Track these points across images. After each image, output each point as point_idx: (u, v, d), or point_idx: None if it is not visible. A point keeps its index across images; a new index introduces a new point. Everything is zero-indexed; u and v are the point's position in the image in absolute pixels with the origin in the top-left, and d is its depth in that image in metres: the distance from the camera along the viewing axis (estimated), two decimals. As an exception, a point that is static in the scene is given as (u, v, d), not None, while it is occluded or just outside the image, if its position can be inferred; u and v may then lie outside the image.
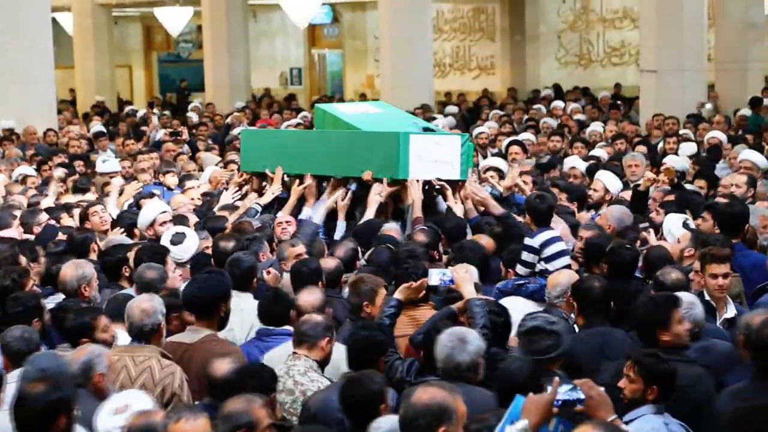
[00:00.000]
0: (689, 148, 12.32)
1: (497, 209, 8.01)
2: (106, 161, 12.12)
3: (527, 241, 7.10)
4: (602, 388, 4.28)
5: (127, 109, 22.07)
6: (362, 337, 5.17)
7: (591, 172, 10.44)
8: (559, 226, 7.68)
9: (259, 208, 8.44)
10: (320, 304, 5.87)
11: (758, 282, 6.80)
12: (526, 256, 7.00)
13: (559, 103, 18.89)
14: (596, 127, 14.87)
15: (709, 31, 17.77)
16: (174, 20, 25.56)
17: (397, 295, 5.83)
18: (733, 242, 7.15)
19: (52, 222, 8.66)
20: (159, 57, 32.35)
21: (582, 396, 4.15)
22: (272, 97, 25.36)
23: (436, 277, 5.90)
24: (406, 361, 5.33)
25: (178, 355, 5.47)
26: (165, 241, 7.42)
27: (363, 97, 24.26)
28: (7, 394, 4.76)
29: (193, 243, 7.47)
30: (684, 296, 5.51)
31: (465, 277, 5.86)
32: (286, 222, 8.00)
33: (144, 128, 16.83)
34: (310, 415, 4.90)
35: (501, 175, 9.68)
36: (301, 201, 8.50)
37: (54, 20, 17.58)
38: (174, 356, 5.39)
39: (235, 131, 16.48)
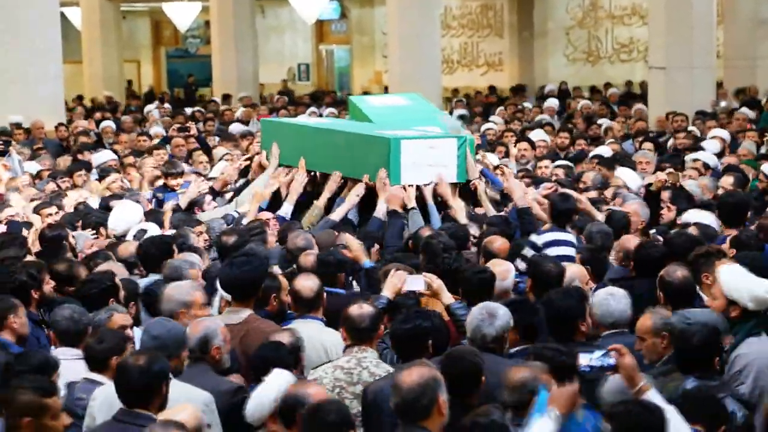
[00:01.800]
0: (714, 145, 12.22)
1: (522, 201, 7.89)
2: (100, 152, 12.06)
3: (533, 237, 7.06)
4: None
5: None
6: (409, 327, 5.20)
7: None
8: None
9: (236, 215, 8.29)
10: (318, 289, 5.90)
11: None
12: (527, 251, 6.92)
13: (552, 102, 18.88)
14: (608, 123, 14.84)
15: (718, 28, 17.71)
16: (182, 15, 25.56)
17: (386, 293, 5.90)
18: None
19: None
20: (167, 52, 32.38)
21: (612, 362, 4.41)
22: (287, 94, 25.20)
23: (411, 283, 5.95)
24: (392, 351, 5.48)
25: (237, 333, 5.59)
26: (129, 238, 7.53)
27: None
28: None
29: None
30: (606, 290, 5.70)
31: (441, 284, 5.95)
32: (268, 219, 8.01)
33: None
34: (368, 401, 5.00)
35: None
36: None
37: (62, 15, 17.56)
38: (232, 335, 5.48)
39: (251, 126, 16.52)
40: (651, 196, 8.82)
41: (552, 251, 7.01)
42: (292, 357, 5.09)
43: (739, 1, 19.26)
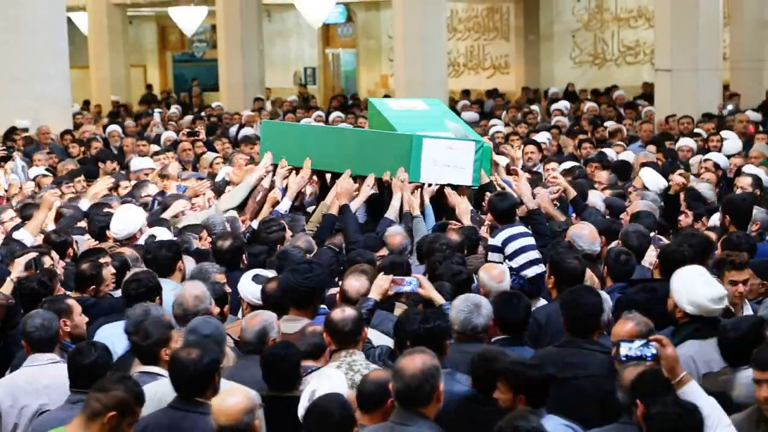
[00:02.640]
0: (733, 145, 12.19)
1: (531, 203, 7.92)
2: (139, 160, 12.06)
3: (490, 240, 7.11)
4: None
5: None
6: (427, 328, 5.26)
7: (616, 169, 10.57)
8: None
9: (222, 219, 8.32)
10: (365, 291, 5.99)
11: None
12: (491, 256, 6.97)
13: (563, 103, 18.93)
14: (617, 125, 14.83)
15: (724, 30, 17.72)
16: (188, 20, 25.60)
17: (373, 295, 5.93)
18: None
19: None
20: (173, 57, 32.42)
21: (654, 351, 4.52)
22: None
23: (402, 284, 5.99)
24: (377, 348, 5.57)
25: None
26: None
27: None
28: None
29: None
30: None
31: (431, 285, 6.03)
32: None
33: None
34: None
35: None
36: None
37: (69, 20, 17.60)
38: None
39: (249, 131, 16.55)
40: (669, 200, 8.81)
41: (512, 246, 6.98)
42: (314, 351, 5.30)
43: (745, 3, 19.27)
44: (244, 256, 7.22)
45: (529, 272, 6.82)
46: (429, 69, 18.52)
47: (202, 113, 20.84)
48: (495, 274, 6.28)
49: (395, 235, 7.40)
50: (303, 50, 30.72)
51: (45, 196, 8.33)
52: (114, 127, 16.20)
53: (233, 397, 4.38)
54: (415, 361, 4.43)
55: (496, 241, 7.01)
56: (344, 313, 5.34)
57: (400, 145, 8.16)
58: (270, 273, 6.50)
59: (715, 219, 8.26)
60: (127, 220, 7.91)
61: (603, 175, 10.29)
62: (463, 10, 27.51)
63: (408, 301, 6.18)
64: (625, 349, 4.57)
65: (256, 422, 4.32)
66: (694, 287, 5.46)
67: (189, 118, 19.07)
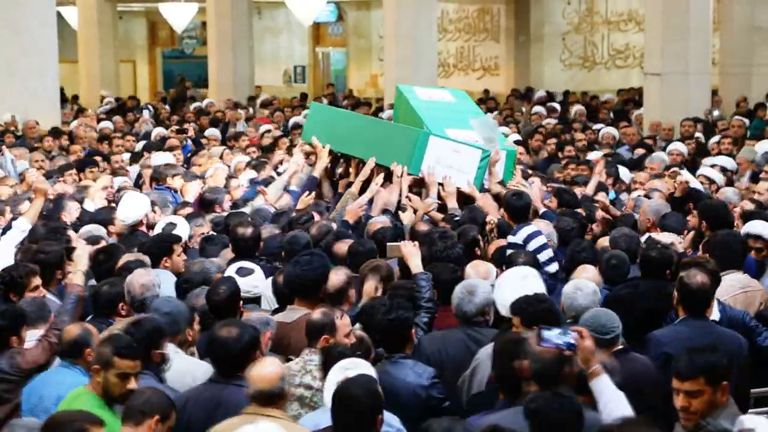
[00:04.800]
0: (727, 162, 12.15)
1: (540, 205, 8.20)
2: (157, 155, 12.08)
3: (510, 239, 7.18)
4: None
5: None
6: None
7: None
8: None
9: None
10: (343, 284, 6.08)
11: None
12: (520, 254, 7.00)
13: (554, 105, 18.96)
14: (610, 129, 14.82)
15: (714, 35, 17.75)
16: (178, 16, 25.55)
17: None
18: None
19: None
20: (163, 53, 32.36)
21: (572, 341, 4.66)
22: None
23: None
24: None
25: (288, 335, 5.75)
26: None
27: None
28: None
29: (183, 230, 7.77)
30: (575, 283, 5.89)
31: (413, 251, 6.30)
32: None
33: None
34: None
35: None
36: None
37: (59, 14, 17.56)
38: (283, 337, 5.71)
39: (239, 127, 16.57)
40: (674, 203, 8.83)
41: (533, 244, 7.11)
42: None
43: (734, 8, 19.32)
44: (261, 244, 7.38)
45: (551, 268, 6.93)
46: (419, 69, 18.51)
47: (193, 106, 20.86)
48: (482, 272, 6.37)
49: (376, 223, 7.66)
50: (293, 48, 30.70)
51: (36, 184, 8.39)
52: (106, 124, 16.18)
53: (269, 365, 4.71)
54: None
55: (518, 238, 7.12)
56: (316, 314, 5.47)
57: (408, 138, 8.45)
58: (252, 265, 6.58)
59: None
60: (132, 206, 8.22)
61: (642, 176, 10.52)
62: (453, 10, 27.52)
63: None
64: (544, 336, 4.70)
65: (286, 387, 4.72)
66: (508, 289, 5.49)
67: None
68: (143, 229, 8.18)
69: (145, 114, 18.60)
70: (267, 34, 29.97)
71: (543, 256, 6.98)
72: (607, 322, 5.31)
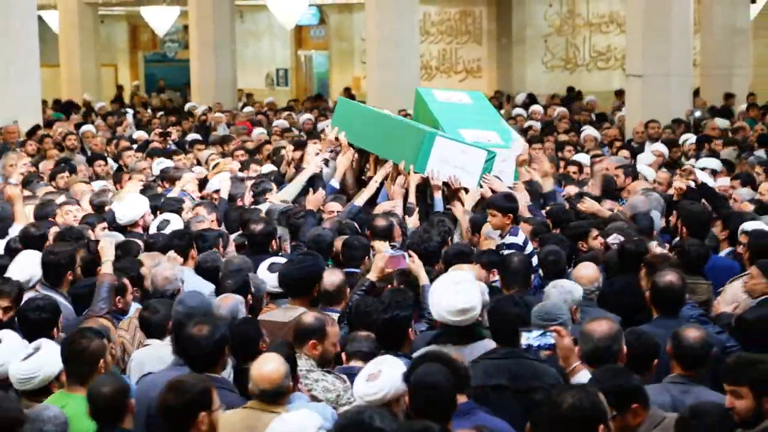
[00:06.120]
0: (713, 163, 12.18)
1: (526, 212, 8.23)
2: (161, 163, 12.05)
3: (510, 239, 7.17)
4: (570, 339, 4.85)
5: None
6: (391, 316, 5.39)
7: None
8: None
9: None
10: (340, 284, 6.17)
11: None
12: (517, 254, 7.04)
13: (537, 107, 19.01)
14: (591, 131, 14.81)
15: (695, 37, 17.82)
16: (160, 20, 25.51)
17: (371, 276, 6.13)
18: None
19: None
20: (145, 56, 32.29)
21: (552, 341, 4.77)
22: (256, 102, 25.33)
23: (397, 261, 6.20)
24: None
25: (276, 333, 5.72)
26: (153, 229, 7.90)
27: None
28: None
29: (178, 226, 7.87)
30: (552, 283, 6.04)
31: (419, 263, 6.25)
32: None
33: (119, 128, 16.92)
34: None
35: None
36: None
37: (40, 18, 17.49)
38: (272, 335, 5.64)
39: (219, 131, 16.55)
40: (670, 205, 8.85)
41: (529, 247, 7.21)
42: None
43: (715, 10, 19.40)
44: (274, 242, 7.49)
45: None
46: (402, 72, 18.51)
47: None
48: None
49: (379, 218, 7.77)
50: (275, 51, 30.67)
51: (8, 192, 8.57)
52: (88, 127, 16.12)
53: (271, 363, 4.65)
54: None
55: (518, 239, 7.17)
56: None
57: (415, 137, 8.63)
58: (282, 260, 6.70)
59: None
60: (130, 206, 8.31)
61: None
62: (435, 13, 27.55)
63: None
64: (524, 339, 4.78)
65: (291, 384, 4.68)
66: (440, 295, 5.41)
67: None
68: (139, 230, 8.21)
69: (129, 117, 18.55)
70: (249, 38, 29.94)
71: (535, 259, 7.01)
72: (551, 309, 5.43)
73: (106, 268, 6.41)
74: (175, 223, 7.92)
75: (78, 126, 16.57)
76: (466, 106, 9.48)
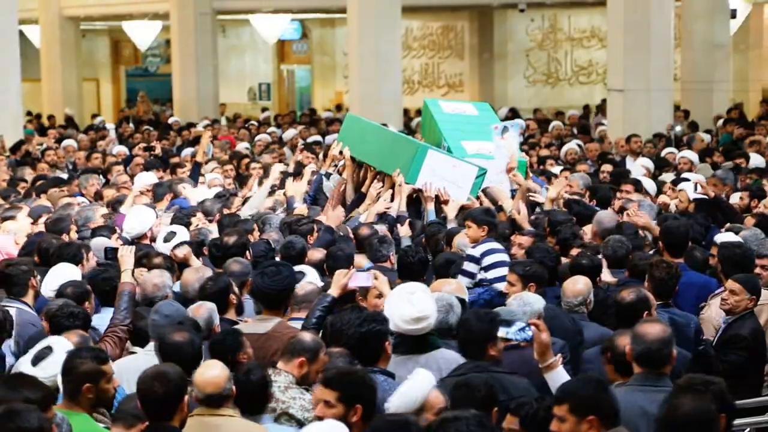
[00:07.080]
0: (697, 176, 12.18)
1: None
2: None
3: (469, 251, 7.26)
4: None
5: (97, 121, 22.04)
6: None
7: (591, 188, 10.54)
8: None
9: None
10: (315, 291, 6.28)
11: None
12: (467, 266, 7.16)
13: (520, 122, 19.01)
14: (573, 145, 14.80)
15: (676, 51, 17.91)
16: (142, 34, 25.47)
17: (332, 291, 6.05)
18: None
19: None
20: (127, 71, 32.20)
21: (529, 335, 4.88)
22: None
23: (358, 278, 6.13)
24: None
25: (254, 345, 5.66)
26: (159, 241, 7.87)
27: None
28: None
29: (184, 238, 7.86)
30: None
31: (384, 280, 6.20)
32: None
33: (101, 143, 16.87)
34: None
35: None
36: None
37: (21, 33, 17.43)
38: (252, 345, 5.63)
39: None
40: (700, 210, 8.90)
41: (489, 260, 7.21)
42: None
43: (696, 24, 19.50)
44: (248, 252, 7.43)
45: (501, 286, 6.82)
46: (384, 86, 18.55)
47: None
48: (452, 291, 6.25)
49: (364, 227, 7.98)
50: (258, 66, 30.66)
51: None
52: (69, 142, 16.07)
53: (214, 369, 4.79)
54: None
55: (476, 252, 7.21)
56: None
57: (408, 150, 8.88)
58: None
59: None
60: (138, 219, 8.38)
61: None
62: (417, 28, 27.62)
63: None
64: (503, 333, 4.89)
65: (234, 388, 4.78)
66: (395, 304, 5.42)
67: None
68: (146, 242, 8.21)
69: (111, 133, 18.51)
70: (231, 52, 29.93)
71: (496, 273, 7.04)
72: (505, 315, 5.43)
73: (126, 277, 6.46)
74: (182, 235, 7.87)
75: (59, 140, 16.53)
76: (471, 117, 9.69)
